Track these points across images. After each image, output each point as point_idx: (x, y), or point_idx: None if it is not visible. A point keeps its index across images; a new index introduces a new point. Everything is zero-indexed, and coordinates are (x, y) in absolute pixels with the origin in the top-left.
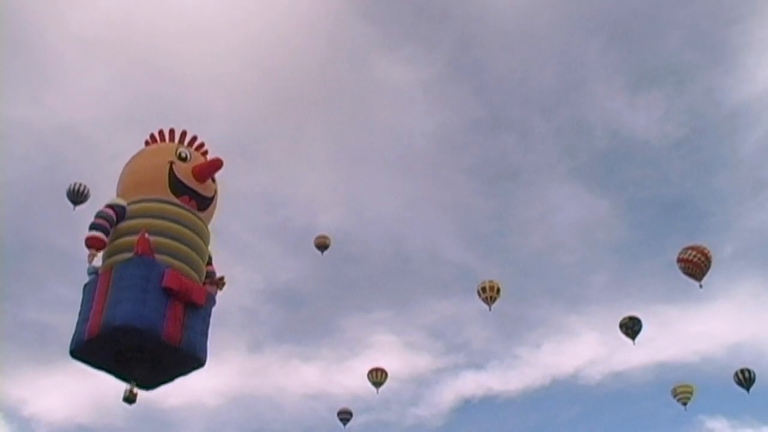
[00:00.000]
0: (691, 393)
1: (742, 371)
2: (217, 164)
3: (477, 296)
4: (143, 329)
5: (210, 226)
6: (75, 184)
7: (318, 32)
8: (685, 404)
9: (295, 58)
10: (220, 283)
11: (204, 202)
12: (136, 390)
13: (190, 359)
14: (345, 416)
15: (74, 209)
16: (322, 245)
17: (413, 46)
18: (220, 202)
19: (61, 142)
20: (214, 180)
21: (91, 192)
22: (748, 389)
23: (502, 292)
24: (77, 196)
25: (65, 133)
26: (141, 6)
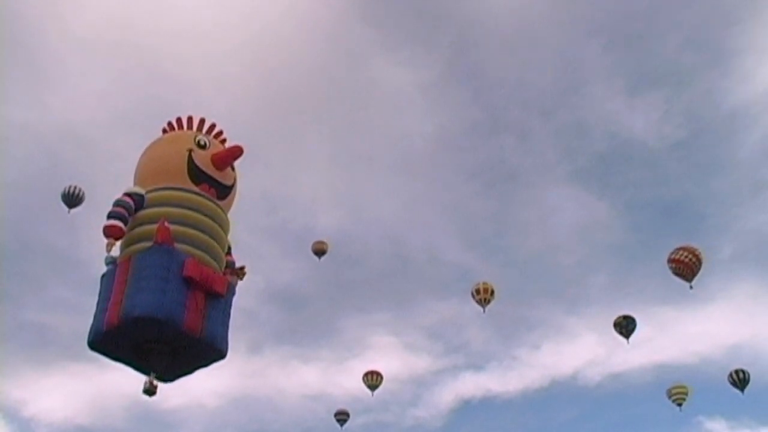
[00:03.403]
0: (686, 394)
1: (736, 372)
2: (236, 152)
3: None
4: (164, 320)
5: (229, 215)
6: (70, 187)
7: (318, 34)
8: (680, 405)
9: (295, 60)
10: (240, 272)
11: (223, 191)
12: (156, 382)
13: (211, 350)
14: (342, 417)
15: (69, 212)
16: (320, 251)
17: (412, 48)
18: (239, 191)
19: (61, 143)
20: (233, 168)
21: (86, 195)
22: (742, 390)
23: (496, 294)
24: (72, 198)
25: (65, 135)
26: (141, 7)
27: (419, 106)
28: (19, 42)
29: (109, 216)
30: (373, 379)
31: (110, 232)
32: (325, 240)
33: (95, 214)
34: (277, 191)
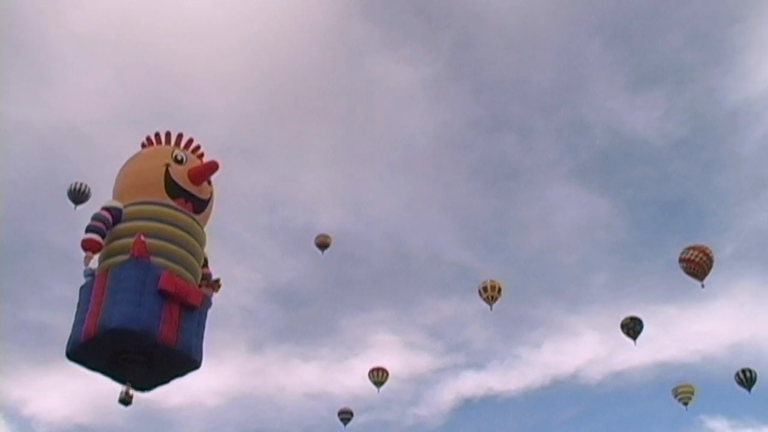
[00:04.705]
0: (692, 393)
1: (743, 371)
2: (212, 167)
3: (478, 296)
4: (139, 331)
5: (206, 229)
6: (76, 184)
7: (318, 32)
8: (686, 404)
9: (296, 58)
10: (215, 285)
11: (200, 205)
12: (131, 392)
13: (186, 361)
14: (345, 416)
15: (75, 209)
16: (323, 244)
17: (413, 46)
18: (217, 204)
19: (61, 141)
20: (210, 182)
21: (92, 191)
22: (749, 389)
23: (503, 292)
24: (78, 195)
25: (65, 133)
26: (141, 5)
27: (420, 104)
28: (19, 40)
29: (87, 230)
30: (379, 376)
31: (88, 246)
32: (328, 234)
33: (91, 215)
34: (278, 190)
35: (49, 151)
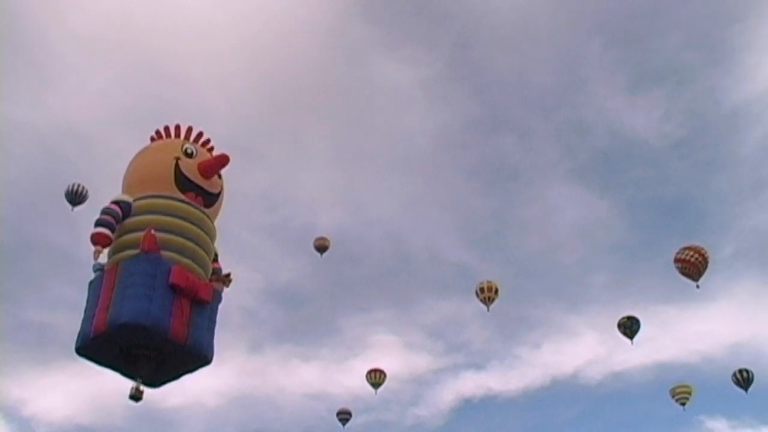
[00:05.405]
0: (689, 393)
1: (740, 371)
2: (223, 160)
3: (475, 296)
4: (150, 327)
5: (216, 223)
6: (73, 185)
7: (318, 32)
8: (683, 404)
9: (296, 58)
10: (226, 279)
11: (210, 199)
12: (142, 387)
13: (197, 357)
14: (344, 416)
15: (72, 210)
16: (322, 247)
17: (413, 46)
18: (225, 199)
19: (61, 142)
20: (220, 176)
21: (89, 193)
22: (746, 389)
23: (500, 293)
24: (76, 196)
25: (65, 133)
26: (141, 6)
27: (420, 104)
28: (19, 40)
29: (97, 224)
30: (376, 377)
31: (98, 240)
32: (327, 237)
33: (96, 212)
34: (278, 190)
35: (49, 151)
